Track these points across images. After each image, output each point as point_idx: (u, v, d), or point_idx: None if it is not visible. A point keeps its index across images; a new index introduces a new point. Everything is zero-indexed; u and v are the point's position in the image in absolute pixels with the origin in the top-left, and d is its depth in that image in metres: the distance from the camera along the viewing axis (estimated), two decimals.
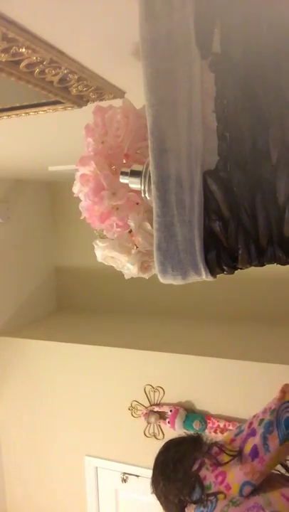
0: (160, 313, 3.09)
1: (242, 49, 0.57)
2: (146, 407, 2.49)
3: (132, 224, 0.78)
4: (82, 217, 0.85)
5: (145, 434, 2.50)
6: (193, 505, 1.15)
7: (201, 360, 2.36)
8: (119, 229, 0.80)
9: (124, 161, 0.81)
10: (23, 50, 0.81)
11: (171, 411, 2.38)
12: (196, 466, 1.20)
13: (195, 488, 1.16)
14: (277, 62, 0.56)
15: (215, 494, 1.12)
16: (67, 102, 1.08)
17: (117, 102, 0.90)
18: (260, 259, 0.63)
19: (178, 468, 1.25)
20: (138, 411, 2.51)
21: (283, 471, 1.25)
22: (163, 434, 2.45)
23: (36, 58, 0.85)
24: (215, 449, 1.20)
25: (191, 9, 0.56)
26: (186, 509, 1.19)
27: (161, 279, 0.67)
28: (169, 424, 2.37)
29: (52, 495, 2.94)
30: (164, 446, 1.35)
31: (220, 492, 1.11)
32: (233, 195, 0.60)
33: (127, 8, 0.69)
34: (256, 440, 1.15)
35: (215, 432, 2.26)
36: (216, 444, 1.23)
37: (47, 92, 0.99)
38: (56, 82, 0.96)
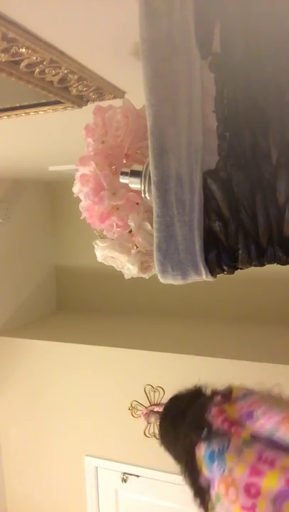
0: (160, 313, 3.08)
1: (242, 49, 0.57)
2: (146, 407, 2.49)
3: (132, 224, 0.78)
4: (82, 217, 0.85)
5: (145, 434, 2.50)
6: (203, 447, 1.13)
7: (201, 360, 2.36)
8: (119, 229, 0.80)
9: (124, 161, 0.81)
10: (23, 50, 0.81)
11: None
12: (203, 411, 1.20)
13: (203, 428, 1.15)
14: (277, 62, 0.56)
15: (225, 433, 1.11)
16: (67, 102, 1.08)
17: (117, 102, 0.90)
18: (260, 259, 0.63)
19: (185, 414, 1.25)
20: (138, 411, 2.51)
21: None
22: None
23: (36, 58, 0.85)
24: (217, 398, 1.21)
25: (191, 9, 0.56)
26: (196, 451, 1.16)
27: (161, 279, 0.67)
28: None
29: (52, 495, 2.94)
30: (169, 399, 1.36)
31: (229, 433, 1.11)
32: (233, 195, 0.60)
33: (127, 8, 0.69)
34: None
35: None
36: (217, 392, 1.25)
37: (47, 92, 0.99)
38: (56, 82, 0.96)
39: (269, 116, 0.57)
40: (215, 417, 1.16)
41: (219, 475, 1.05)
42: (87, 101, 1.10)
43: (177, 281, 0.67)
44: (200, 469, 1.11)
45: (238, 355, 2.31)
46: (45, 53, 0.84)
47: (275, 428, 1.08)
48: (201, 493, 1.13)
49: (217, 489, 1.07)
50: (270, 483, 1.00)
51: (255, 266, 0.65)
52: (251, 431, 1.09)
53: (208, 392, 1.27)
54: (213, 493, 1.09)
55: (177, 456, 1.25)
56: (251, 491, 1.00)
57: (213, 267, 0.64)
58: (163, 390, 2.47)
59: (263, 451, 1.05)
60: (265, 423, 1.10)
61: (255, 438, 1.09)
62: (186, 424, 1.23)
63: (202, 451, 1.11)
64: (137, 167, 0.69)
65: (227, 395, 1.24)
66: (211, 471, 1.09)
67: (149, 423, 2.47)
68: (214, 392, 1.26)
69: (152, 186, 0.62)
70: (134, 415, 2.52)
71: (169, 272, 0.65)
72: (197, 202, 0.60)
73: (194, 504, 1.16)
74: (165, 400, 2.45)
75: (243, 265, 0.64)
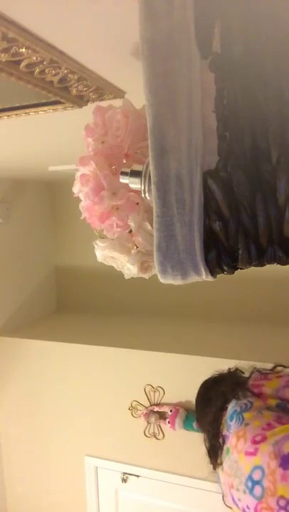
0: (160, 313, 3.08)
1: (242, 49, 0.57)
2: (146, 407, 2.49)
3: (132, 224, 0.78)
4: (82, 217, 0.85)
5: (145, 434, 2.50)
6: (229, 408, 1.17)
7: (201, 360, 2.36)
8: (119, 229, 0.80)
9: (124, 161, 0.81)
10: (23, 50, 0.81)
11: (171, 411, 2.38)
12: (238, 381, 1.28)
13: (236, 390, 1.21)
14: (277, 61, 0.56)
15: (252, 396, 1.17)
16: (67, 102, 1.08)
17: (117, 102, 0.90)
18: (261, 259, 0.63)
19: (220, 383, 1.33)
20: (138, 411, 2.51)
21: None
22: (163, 434, 2.45)
23: (36, 58, 0.85)
24: (256, 374, 1.27)
25: (191, 9, 0.56)
26: (224, 414, 1.20)
27: (161, 279, 0.67)
28: (169, 424, 2.36)
29: (52, 495, 2.94)
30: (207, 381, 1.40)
31: (257, 396, 1.17)
32: (233, 195, 0.60)
33: (127, 8, 0.69)
34: None
35: None
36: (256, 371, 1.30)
37: (47, 92, 0.99)
38: (56, 82, 0.96)
39: (269, 116, 0.58)
40: (251, 386, 1.21)
41: (235, 430, 1.09)
42: (87, 101, 1.10)
43: (177, 282, 0.67)
44: (221, 431, 1.16)
45: (239, 355, 2.31)
46: (45, 53, 0.84)
47: None
48: (215, 449, 1.17)
49: (229, 443, 1.10)
50: (277, 432, 1.03)
51: (255, 266, 0.65)
52: (279, 400, 1.13)
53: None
54: (224, 447, 1.12)
55: (204, 417, 1.30)
56: (256, 439, 1.04)
57: (213, 267, 0.64)
58: (163, 390, 2.47)
59: (283, 417, 1.10)
60: None
61: (280, 407, 1.12)
62: (221, 388, 1.29)
63: (227, 412, 1.15)
64: (137, 167, 0.69)
65: (267, 374, 1.29)
66: (228, 429, 1.13)
67: (149, 423, 2.47)
68: (254, 371, 1.32)
69: (152, 186, 0.62)
70: (134, 415, 2.52)
71: (169, 272, 0.65)
72: (197, 202, 0.61)
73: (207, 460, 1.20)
74: (165, 399, 2.46)
75: (243, 265, 0.64)
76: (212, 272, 0.64)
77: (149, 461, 2.51)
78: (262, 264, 0.64)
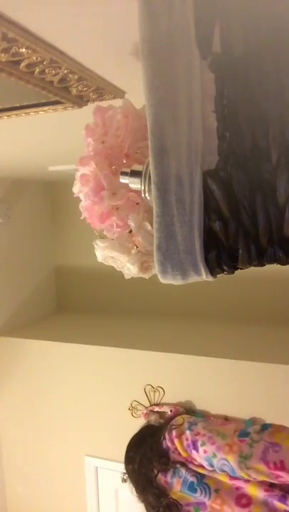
0: (160, 313, 3.08)
1: (242, 49, 0.57)
2: (146, 407, 2.49)
3: (132, 224, 0.78)
4: (82, 217, 0.85)
5: None
6: (178, 483, 1.22)
7: (201, 360, 2.36)
8: (119, 229, 0.80)
9: (124, 161, 0.81)
10: (23, 50, 0.81)
11: (171, 411, 2.38)
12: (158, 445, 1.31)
13: (162, 460, 1.26)
14: (277, 61, 0.56)
15: (186, 465, 1.21)
16: (67, 102, 1.08)
17: (117, 102, 0.90)
18: (261, 259, 0.63)
19: (142, 448, 1.38)
20: (138, 411, 2.51)
21: None
22: None
23: (36, 58, 0.85)
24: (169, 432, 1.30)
25: (191, 9, 0.56)
26: (165, 485, 1.23)
27: (161, 279, 0.67)
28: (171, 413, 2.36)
29: (52, 495, 2.94)
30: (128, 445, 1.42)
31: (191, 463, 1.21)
32: (233, 194, 0.60)
33: (126, 8, 0.69)
34: None
35: None
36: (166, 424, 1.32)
37: (47, 92, 0.99)
38: (56, 82, 0.96)
39: (269, 116, 0.58)
40: (170, 451, 1.24)
41: (208, 498, 1.13)
42: (87, 101, 1.10)
43: (177, 281, 0.67)
44: (180, 499, 1.21)
45: (238, 355, 2.31)
46: (45, 53, 0.84)
47: (214, 453, 1.15)
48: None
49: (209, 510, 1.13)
50: (253, 492, 1.07)
51: (255, 266, 0.65)
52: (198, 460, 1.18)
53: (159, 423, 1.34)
54: None
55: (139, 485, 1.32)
56: (242, 502, 1.07)
57: (213, 267, 0.64)
58: (163, 390, 2.47)
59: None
60: (208, 449, 1.17)
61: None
62: (145, 456, 1.31)
63: (178, 485, 1.19)
64: (137, 167, 0.69)
65: (175, 427, 1.32)
66: (195, 498, 1.17)
67: (149, 423, 2.47)
68: (165, 424, 1.34)
69: (152, 186, 0.62)
70: (134, 415, 2.52)
71: (169, 272, 0.65)
72: (197, 202, 0.60)
73: None
74: (165, 399, 2.46)
75: (243, 265, 0.64)
76: (212, 272, 0.64)
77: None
78: (262, 264, 0.64)
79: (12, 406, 2.94)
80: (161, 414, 2.46)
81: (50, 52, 0.84)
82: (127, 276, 0.85)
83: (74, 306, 3.45)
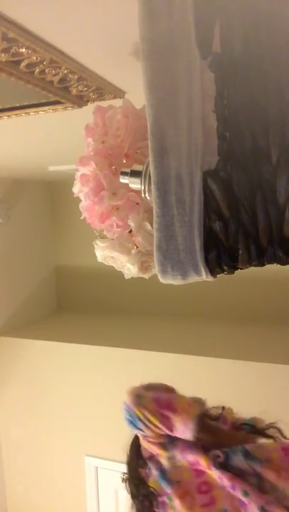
0: (160, 313, 3.08)
1: (242, 49, 0.57)
2: None
3: (132, 224, 0.77)
4: (82, 217, 0.85)
5: None
6: (153, 475, 1.24)
7: (201, 360, 2.36)
8: (119, 229, 0.80)
9: (124, 161, 0.81)
10: (23, 50, 0.81)
11: None
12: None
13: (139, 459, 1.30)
14: (277, 62, 0.56)
15: (152, 458, 1.25)
16: (67, 102, 1.08)
17: (117, 102, 0.90)
18: (260, 259, 0.63)
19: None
20: None
21: None
22: None
23: (36, 58, 0.85)
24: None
25: (191, 9, 0.56)
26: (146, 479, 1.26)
27: (161, 279, 0.67)
28: None
29: (52, 495, 2.94)
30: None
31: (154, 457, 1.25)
32: (233, 194, 0.60)
33: (126, 8, 0.69)
34: None
35: None
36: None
37: (47, 92, 0.99)
38: (56, 82, 0.96)
39: (269, 116, 0.57)
40: (142, 448, 1.30)
41: (171, 490, 1.15)
42: (87, 101, 1.10)
43: (177, 281, 0.67)
44: (157, 491, 1.22)
45: (238, 355, 2.32)
46: (45, 53, 0.84)
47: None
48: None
49: (174, 503, 1.15)
50: (212, 478, 1.10)
51: (255, 266, 0.65)
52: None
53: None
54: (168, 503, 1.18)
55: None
56: (203, 489, 1.09)
57: (213, 267, 0.64)
58: None
59: (187, 456, 1.18)
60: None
61: (169, 449, 1.21)
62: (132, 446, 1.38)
63: (154, 477, 1.21)
64: (137, 167, 0.69)
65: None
66: (167, 488, 1.19)
67: None
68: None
69: (152, 186, 0.62)
70: None
71: (169, 272, 0.65)
72: (197, 202, 0.60)
73: None
74: None
75: (243, 265, 0.64)
76: (212, 272, 0.64)
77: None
78: (262, 264, 0.64)
79: (12, 406, 2.94)
80: None
81: (50, 52, 0.84)
82: (127, 276, 0.85)
83: (74, 306, 3.45)
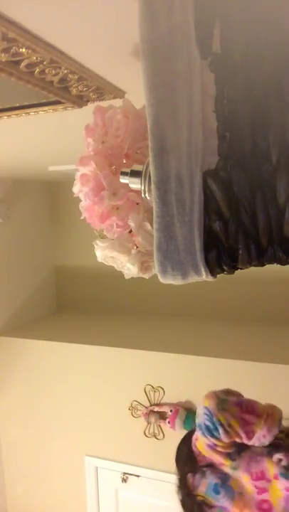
0: (160, 313, 3.08)
1: (242, 49, 0.57)
2: (146, 407, 2.49)
3: (132, 224, 0.78)
4: (82, 217, 0.85)
5: (145, 434, 2.50)
6: (204, 484, 1.21)
7: (201, 360, 2.36)
8: (119, 229, 0.80)
9: (125, 161, 0.81)
10: (23, 50, 0.81)
11: (171, 411, 2.38)
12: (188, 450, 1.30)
13: (192, 464, 1.26)
14: (277, 62, 0.56)
15: (212, 466, 1.22)
16: (67, 102, 1.08)
17: (117, 102, 0.90)
18: (260, 259, 0.63)
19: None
20: (138, 411, 2.51)
21: None
22: (163, 434, 2.45)
23: (36, 58, 0.85)
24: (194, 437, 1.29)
25: (191, 9, 0.56)
26: (194, 488, 1.24)
27: (161, 279, 0.67)
28: (169, 424, 2.37)
29: (52, 495, 2.94)
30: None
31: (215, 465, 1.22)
32: (233, 195, 0.60)
33: (127, 8, 0.69)
34: None
35: None
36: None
37: (47, 92, 0.99)
38: (56, 82, 0.96)
39: (269, 116, 0.58)
40: (197, 455, 1.26)
41: (230, 501, 1.12)
42: (87, 101, 1.10)
43: (177, 281, 0.67)
44: (206, 502, 1.20)
45: (238, 355, 2.32)
46: (45, 53, 0.84)
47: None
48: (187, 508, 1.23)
49: None
50: (275, 494, 1.06)
51: (255, 266, 0.65)
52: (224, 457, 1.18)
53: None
54: None
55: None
56: (264, 507, 1.07)
57: (213, 267, 0.64)
58: (163, 390, 2.47)
59: (251, 469, 1.16)
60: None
61: (236, 459, 1.18)
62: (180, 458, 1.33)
63: (204, 487, 1.18)
64: (137, 167, 0.69)
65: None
66: (218, 501, 1.16)
67: (149, 423, 2.47)
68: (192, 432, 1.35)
69: (152, 186, 0.62)
70: (134, 415, 2.52)
71: (169, 272, 0.65)
72: (197, 202, 0.60)
73: None
74: (165, 399, 2.46)
75: (243, 265, 0.64)
76: (212, 272, 0.64)
77: (149, 461, 2.51)
78: (262, 264, 0.64)
79: (12, 406, 2.94)
80: (161, 414, 2.46)
81: (50, 52, 0.84)
82: (127, 276, 0.85)
83: (74, 306, 3.45)
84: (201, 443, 1.21)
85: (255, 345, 2.51)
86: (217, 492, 1.15)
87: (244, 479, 1.14)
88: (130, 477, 2.63)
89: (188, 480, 1.24)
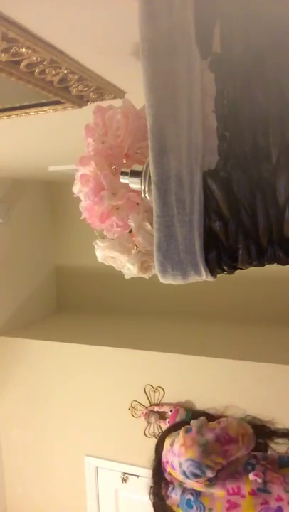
0: (160, 313, 3.08)
1: (242, 49, 0.57)
2: (146, 407, 2.49)
3: (132, 224, 0.78)
4: (82, 217, 0.85)
5: (145, 434, 2.50)
6: (176, 498, 1.27)
7: (201, 360, 2.36)
8: (119, 229, 0.80)
9: (125, 161, 0.81)
10: (23, 50, 0.81)
11: (171, 411, 2.38)
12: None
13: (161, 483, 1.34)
14: (278, 61, 0.56)
15: (181, 484, 1.26)
16: (67, 102, 1.08)
17: (117, 102, 0.90)
18: (260, 259, 0.63)
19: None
20: (138, 411, 2.51)
21: None
22: None
23: (36, 58, 0.85)
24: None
25: (191, 9, 0.56)
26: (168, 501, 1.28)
27: (161, 279, 0.67)
28: (169, 424, 2.36)
29: (52, 495, 2.94)
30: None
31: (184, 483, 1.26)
32: (233, 194, 0.60)
33: (127, 8, 0.69)
34: None
35: None
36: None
37: (47, 92, 0.99)
38: (56, 82, 0.96)
39: (269, 116, 0.57)
40: (165, 472, 1.32)
41: None
42: (87, 101, 1.10)
43: (177, 281, 0.67)
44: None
45: (238, 355, 2.31)
46: (45, 53, 0.84)
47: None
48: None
49: None
50: (248, 509, 1.09)
51: (255, 266, 0.65)
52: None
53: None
54: None
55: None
56: None
57: (213, 267, 0.64)
58: (163, 390, 2.47)
59: (227, 485, 1.19)
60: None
61: (212, 480, 1.22)
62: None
63: (176, 501, 1.22)
64: (137, 167, 0.69)
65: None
66: None
67: (149, 423, 2.47)
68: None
69: (152, 186, 0.62)
70: (134, 415, 2.52)
71: (169, 272, 0.65)
72: (197, 202, 0.60)
73: None
74: (165, 399, 2.46)
75: (243, 265, 0.64)
76: (212, 272, 0.64)
77: (149, 461, 2.50)
78: (262, 264, 0.64)
79: (12, 406, 2.94)
80: (161, 414, 2.46)
81: (50, 52, 0.84)
82: (127, 276, 0.85)
83: (74, 306, 3.45)
84: (177, 475, 1.23)
85: (255, 345, 2.51)
86: (190, 506, 1.18)
87: (219, 494, 1.16)
88: (130, 477, 2.63)
89: (161, 489, 1.27)
